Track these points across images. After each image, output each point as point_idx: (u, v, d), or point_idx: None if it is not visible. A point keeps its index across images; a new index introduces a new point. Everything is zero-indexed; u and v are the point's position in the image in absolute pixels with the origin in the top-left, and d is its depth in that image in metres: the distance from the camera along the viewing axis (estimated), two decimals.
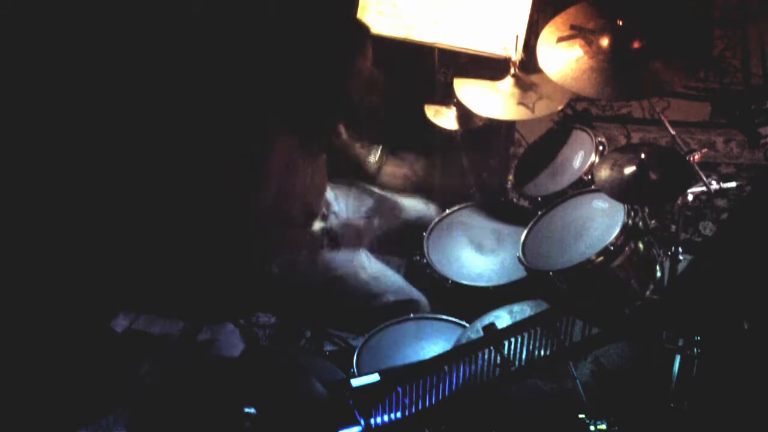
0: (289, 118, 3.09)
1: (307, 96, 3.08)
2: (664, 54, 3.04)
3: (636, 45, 3.07)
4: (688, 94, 4.58)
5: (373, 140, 3.60)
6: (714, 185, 3.06)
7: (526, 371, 2.59)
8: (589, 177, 3.27)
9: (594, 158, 3.31)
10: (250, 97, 3.18)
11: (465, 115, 3.48)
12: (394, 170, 3.59)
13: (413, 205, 3.61)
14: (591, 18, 3.17)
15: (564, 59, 3.12)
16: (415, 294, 3.34)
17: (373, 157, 3.59)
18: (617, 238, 2.97)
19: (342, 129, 3.44)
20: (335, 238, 3.38)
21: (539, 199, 3.38)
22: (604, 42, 3.10)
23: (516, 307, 3.01)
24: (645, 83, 3.06)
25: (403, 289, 3.33)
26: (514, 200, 3.69)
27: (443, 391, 2.45)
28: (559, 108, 3.35)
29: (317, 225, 3.38)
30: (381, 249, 3.46)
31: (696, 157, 3.02)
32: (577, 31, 3.15)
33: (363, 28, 3.17)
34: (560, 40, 3.16)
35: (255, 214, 3.16)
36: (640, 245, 3.05)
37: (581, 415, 2.58)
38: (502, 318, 2.97)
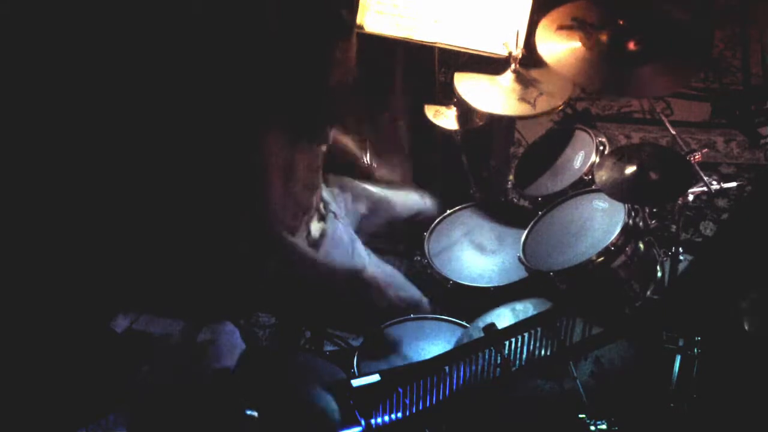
0: (281, 114, 3.08)
1: (297, 89, 3.07)
2: (658, 60, 3.04)
3: (631, 46, 3.07)
4: (688, 94, 4.58)
5: (367, 136, 3.59)
6: (714, 185, 3.07)
7: (527, 371, 2.59)
8: (590, 177, 3.27)
9: (594, 158, 3.31)
10: (244, 94, 3.18)
11: (465, 115, 3.48)
12: (389, 164, 3.57)
13: (408, 199, 3.61)
14: (594, 13, 3.18)
15: (561, 47, 3.12)
16: (417, 292, 3.33)
17: (368, 153, 3.57)
18: (618, 238, 2.97)
19: (335, 125, 3.44)
20: (333, 237, 3.38)
21: (539, 199, 3.37)
22: (603, 37, 3.10)
23: (519, 306, 3.00)
24: (633, 83, 3.08)
25: (405, 288, 3.33)
26: (515, 200, 3.69)
27: (444, 391, 2.45)
28: (561, 105, 3.34)
29: (315, 224, 3.38)
30: (381, 248, 3.46)
31: (696, 157, 3.03)
32: (578, 23, 3.15)
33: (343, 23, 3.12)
34: (560, 27, 3.15)
35: (253, 212, 3.16)
36: (641, 245, 3.05)
37: (581, 415, 2.58)
38: (504, 316, 2.97)
